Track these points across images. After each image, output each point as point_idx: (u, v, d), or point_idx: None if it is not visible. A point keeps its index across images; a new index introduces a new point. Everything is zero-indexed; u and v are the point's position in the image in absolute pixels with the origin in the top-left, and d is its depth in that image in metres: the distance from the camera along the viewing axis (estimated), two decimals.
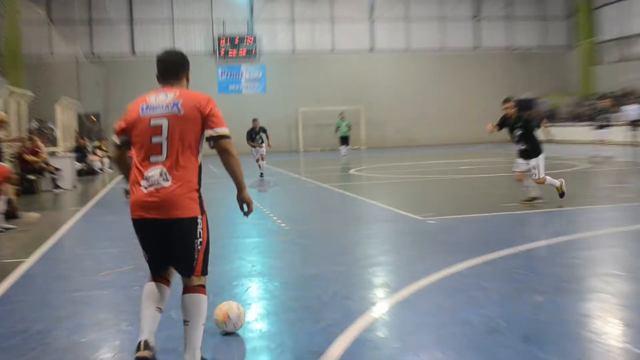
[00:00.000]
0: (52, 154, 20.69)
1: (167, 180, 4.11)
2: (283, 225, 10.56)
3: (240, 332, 5.14)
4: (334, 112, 37.88)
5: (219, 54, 38.26)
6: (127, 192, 18.40)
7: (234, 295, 6.20)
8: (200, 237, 4.22)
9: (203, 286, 4.29)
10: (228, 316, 5.11)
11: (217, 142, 4.27)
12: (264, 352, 4.71)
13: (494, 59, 41.68)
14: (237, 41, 38.45)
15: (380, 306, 5.72)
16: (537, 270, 6.90)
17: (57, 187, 18.59)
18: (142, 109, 4.29)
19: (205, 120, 4.23)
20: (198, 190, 4.26)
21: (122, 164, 4.49)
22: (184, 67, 4.53)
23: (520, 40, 42.26)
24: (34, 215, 12.86)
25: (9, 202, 12.33)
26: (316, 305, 5.79)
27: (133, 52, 37.65)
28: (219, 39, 38.22)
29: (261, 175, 20.85)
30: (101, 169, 25.82)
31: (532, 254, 7.69)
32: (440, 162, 24.62)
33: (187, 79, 4.55)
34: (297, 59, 39.35)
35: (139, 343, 4.14)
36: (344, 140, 30.04)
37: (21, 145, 18.30)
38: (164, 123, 4.17)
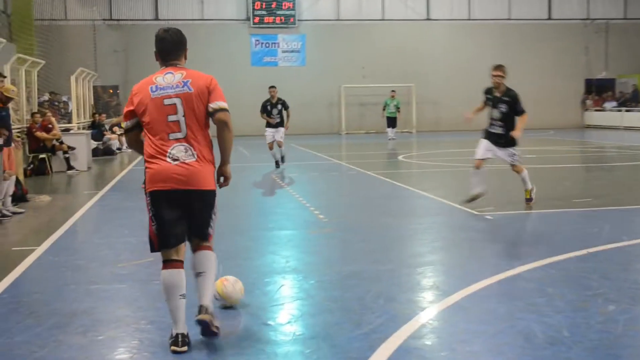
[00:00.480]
0: (66, 130, 21.10)
1: (192, 155, 4.93)
2: (321, 216, 10.66)
3: (272, 335, 5.26)
4: (381, 89, 37.83)
5: (253, 20, 38.37)
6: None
7: (265, 294, 6.34)
8: (216, 208, 5.20)
9: (212, 247, 5.20)
10: (225, 281, 5.92)
11: (216, 114, 5.03)
12: (297, 357, 4.82)
13: (568, 31, 41.08)
14: (273, 6, 38.46)
15: (429, 311, 5.80)
16: (610, 275, 6.88)
17: (70, 167, 18.98)
18: (152, 89, 5.01)
19: (209, 95, 5.05)
20: (213, 164, 5.12)
21: (139, 146, 5.16)
22: (184, 46, 5.37)
23: (599, 10, 41.59)
24: (45, 198, 13.20)
25: (18, 183, 12.67)
26: (356, 307, 5.88)
27: (156, 16, 38.00)
28: (253, 4, 38.28)
29: (277, 164, 18.52)
30: (119, 149, 26.21)
31: (605, 256, 7.67)
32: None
33: (185, 58, 5.37)
34: (342, 28, 39.29)
35: (177, 336, 4.88)
36: (391, 121, 30.04)
37: (31, 120, 18.71)
38: (178, 102, 4.95)
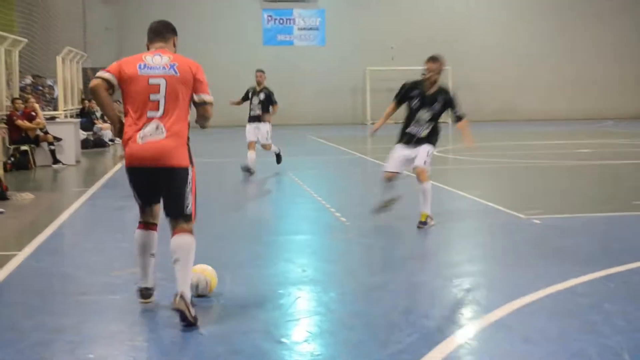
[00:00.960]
0: (51, 119, 21.22)
1: (162, 133, 5.85)
2: (343, 219, 10.67)
3: (286, 354, 5.26)
4: (412, 73, 37.61)
5: None
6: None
7: (279, 307, 6.34)
8: (190, 184, 5.97)
9: (192, 231, 5.97)
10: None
11: (200, 107, 6.09)
12: None
13: (633, 8, 40.78)
14: None
15: (467, 329, 5.78)
16: None
17: (56, 161, 19.09)
18: (140, 67, 5.97)
19: (194, 84, 6.05)
20: (188, 144, 6.03)
21: (101, 96, 6.00)
22: (171, 30, 6.41)
23: None
24: (27, 196, 13.27)
25: None
26: (383, 324, 5.88)
27: None
28: None
29: (249, 171, 16.24)
30: (112, 140, 26.33)
31: None
32: (551, 142, 24.37)
33: (175, 45, 6.37)
34: (367, 2, 39.25)
35: (141, 289, 6.35)
36: None
37: (11, 106, 18.83)
38: (162, 82, 5.91)
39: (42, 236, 9.70)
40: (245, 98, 17.11)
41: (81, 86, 29.29)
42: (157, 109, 5.89)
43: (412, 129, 10.25)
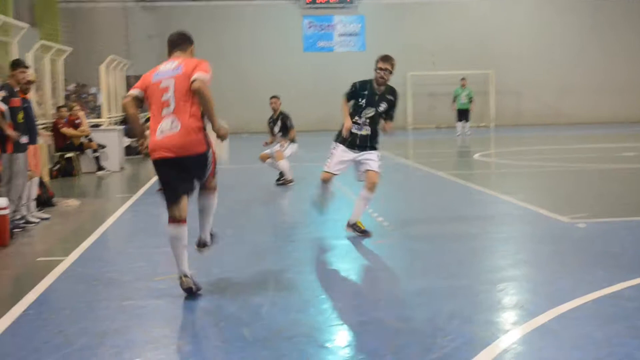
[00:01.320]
0: (95, 126, 21.46)
1: (177, 127, 6.63)
2: (385, 223, 10.65)
3: (331, 359, 5.26)
4: (453, 78, 37.53)
5: (305, 0, 38.57)
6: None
7: (322, 312, 6.35)
8: (210, 163, 6.84)
9: (215, 188, 7.13)
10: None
11: (192, 84, 6.64)
12: None
13: None
14: None
15: (512, 334, 5.74)
16: None
17: (100, 168, 19.30)
18: (154, 75, 6.87)
19: (192, 70, 6.75)
20: (203, 130, 6.75)
21: (130, 112, 6.97)
22: (187, 40, 7.34)
23: None
24: (72, 202, 13.45)
25: (43, 186, 12.94)
26: (427, 329, 5.86)
27: None
28: None
29: (280, 180, 15.94)
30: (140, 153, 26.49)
31: None
32: (595, 146, 24.11)
33: (192, 53, 7.25)
34: (407, 7, 39.19)
35: (180, 277, 6.84)
36: (463, 114, 29.88)
37: (57, 114, 19.07)
38: (171, 83, 6.71)
39: (88, 242, 9.81)
40: (271, 130, 16.41)
41: (124, 94, 29.54)
42: (169, 105, 6.71)
43: (357, 126, 10.10)
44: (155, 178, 17.61)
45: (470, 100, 30.06)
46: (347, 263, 8.40)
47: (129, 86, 32.14)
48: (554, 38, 39.44)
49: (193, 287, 6.82)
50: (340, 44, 39.00)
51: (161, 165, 6.80)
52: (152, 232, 10.62)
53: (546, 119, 39.24)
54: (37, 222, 11.35)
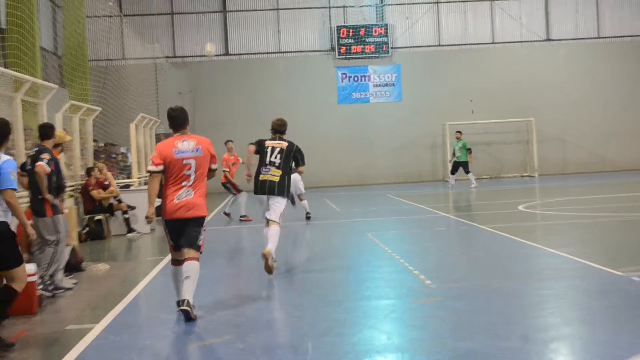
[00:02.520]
0: (125, 187, 21.57)
1: (191, 194, 8.92)
2: (428, 282, 10.53)
3: None
4: (494, 126, 37.61)
5: (339, 50, 38.84)
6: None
7: None
8: (204, 227, 9.06)
9: (198, 258, 8.95)
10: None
11: (212, 172, 9.21)
12: None
13: None
14: (362, 33, 38.93)
15: None
16: None
17: (131, 230, 19.35)
18: (175, 152, 8.91)
19: (211, 158, 9.17)
20: (204, 198, 9.10)
21: (156, 185, 9.04)
22: (187, 118, 9.34)
23: None
24: (102, 267, 13.46)
25: (72, 250, 12.97)
26: None
27: (227, 51, 38.88)
28: (339, 31, 38.82)
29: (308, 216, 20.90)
30: None
31: None
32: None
33: (188, 124, 9.31)
34: (444, 56, 39.36)
35: (181, 301, 8.72)
36: (458, 167, 30.47)
37: (85, 176, 19.20)
38: (193, 162, 8.94)
39: (119, 308, 9.78)
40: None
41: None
42: (189, 180, 8.93)
43: (261, 174, 12.20)
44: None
45: (468, 150, 30.32)
46: (388, 324, 8.28)
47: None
48: (598, 83, 39.36)
49: (191, 313, 8.61)
50: (375, 95, 39.20)
51: (172, 224, 9.02)
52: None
53: (592, 166, 38.99)
54: (67, 289, 11.34)
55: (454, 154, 31.32)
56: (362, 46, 38.88)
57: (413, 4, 39.64)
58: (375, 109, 38.50)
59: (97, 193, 18.91)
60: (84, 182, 19.13)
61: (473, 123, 38.16)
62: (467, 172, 30.73)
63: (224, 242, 17.25)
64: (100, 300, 10.68)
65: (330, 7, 39.17)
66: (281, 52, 39.00)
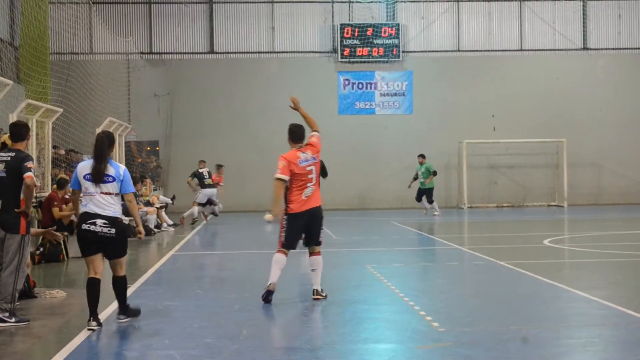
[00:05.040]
0: None
1: (313, 190, 12.49)
2: (435, 324, 10.53)
3: None
4: (519, 147, 37.66)
5: (342, 52, 38.88)
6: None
7: None
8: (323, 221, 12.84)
9: (320, 252, 12.66)
10: None
11: (325, 174, 16.41)
12: None
13: None
14: (369, 33, 38.94)
15: None
16: None
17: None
18: (300, 162, 12.28)
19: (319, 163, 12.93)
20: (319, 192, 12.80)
21: (279, 192, 12.34)
22: (303, 134, 12.69)
23: None
24: (58, 294, 13.42)
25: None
26: None
27: (211, 48, 38.92)
28: (342, 30, 38.84)
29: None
30: (158, 227, 26.55)
31: None
32: None
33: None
34: (463, 63, 39.44)
35: (271, 283, 12.21)
36: (422, 193, 30.96)
37: (54, 189, 19.13)
38: (314, 168, 12.48)
39: (75, 342, 9.74)
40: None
41: (124, 163, 29.74)
42: (313, 181, 12.47)
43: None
44: (157, 265, 17.76)
45: (432, 173, 30.78)
46: None
47: (129, 154, 32.58)
48: None
49: (321, 295, 12.62)
50: (382, 106, 39.20)
51: (300, 216, 12.40)
52: (153, 329, 10.54)
53: (632, 197, 39.00)
54: (22, 322, 11.29)
55: (415, 178, 31.69)
56: (368, 48, 38.87)
57: (430, 1, 39.75)
58: (382, 121, 38.49)
59: (58, 210, 18.85)
60: (46, 194, 19.06)
61: (495, 142, 38.21)
62: (430, 201, 31.15)
63: (208, 269, 17.24)
64: (53, 333, 10.65)
65: (333, 2, 39.23)
66: (275, 52, 39.05)
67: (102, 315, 11.12)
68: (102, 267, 11.09)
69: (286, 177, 12.21)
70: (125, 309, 11.07)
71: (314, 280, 12.60)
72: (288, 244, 12.43)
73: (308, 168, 12.40)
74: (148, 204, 26.99)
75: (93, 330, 10.42)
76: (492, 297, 13.32)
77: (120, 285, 11.14)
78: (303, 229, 12.56)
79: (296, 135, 12.68)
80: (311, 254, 12.64)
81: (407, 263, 17.81)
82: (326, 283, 13.61)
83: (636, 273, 15.99)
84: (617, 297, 12.39)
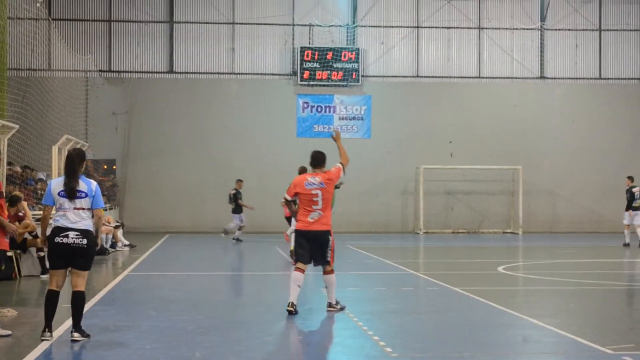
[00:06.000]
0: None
1: (320, 215, 13.51)
2: (388, 349, 10.55)
3: None
4: (475, 173, 37.78)
5: (301, 75, 38.91)
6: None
7: None
8: (330, 242, 13.64)
9: (333, 270, 13.78)
10: None
11: (337, 186, 15.27)
12: None
13: None
14: (329, 56, 38.98)
15: None
16: None
17: (45, 270, 19.11)
18: (306, 184, 13.50)
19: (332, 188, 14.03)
20: (329, 219, 13.81)
21: (292, 208, 14.13)
22: (323, 160, 13.97)
23: None
24: (9, 312, 13.28)
25: None
26: None
27: (171, 68, 38.81)
28: (302, 53, 38.86)
29: None
30: (113, 246, 26.38)
31: None
32: (634, 261, 24.14)
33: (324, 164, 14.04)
34: (422, 89, 39.59)
35: (289, 302, 13.23)
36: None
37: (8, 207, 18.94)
38: (320, 192, 13.49)
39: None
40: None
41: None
42: (318, 204, 13.44)
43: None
44: (111, 285, 17.64)
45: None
46: None
47: (86, 172, 32.31)
48: (597, 130, 39.76)
49: (336, 308, 13.83)
50: (340, 129, 38.91)
51: (304, 235, 13.50)
52: (105, 351, 10.47)
53: (586, 225, 39.28)
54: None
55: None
56: (328, 72, 38.88)
57: (390, 27, 39.85)
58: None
59: (9, 226, 18.62)
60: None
61: (452, 168, 38.33)
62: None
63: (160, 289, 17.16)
64: (3, 352, 10.54)
65: (294, 25, 39.26)
66: (235, 73, 38.99)
67: (55, 333, 11.06)
68: (63, 282, 11.51)
69: (288, 197, 13.73)
70: (79, 327, 11.08)
71: (328, 296, 13.86)
72: (298, 258, 13.60)
73: (313, 191, 13.41)
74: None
75: (47, 340, 10.73)
76: (445, 322, 13.35)
77: (78, 300, 11.28)
78: (308, 248, 13.49)
79: (315, 160, 13.93)
80: (323, 272, 13.72)
81: (361, 287, 17.81)
82: (281, 308, 13.62)
83: (588, 301, 16.10)
84: (569, 325, 12.47)
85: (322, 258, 13.55)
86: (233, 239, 31.22)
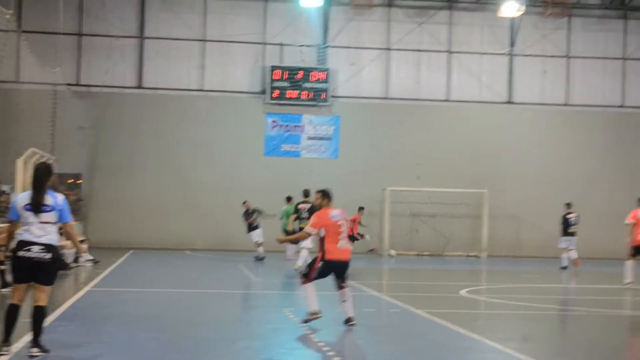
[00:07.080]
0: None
1: (347, 245, 14.75)
2: None
3: None
4: (442, 196, 37.86)
5: (271, 94, 38.93)
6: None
7: None
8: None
9: (347, 285, 14.86)
10: None
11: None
12: None
13: None
14: (299, 76, 39.06)
15: None
16: None
17: (6, 285, 18.95)
18: (331, 217, 14.56)
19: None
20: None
21: (304, 238, 18.29)
22: (331, 196, 15.03)
23: None
24: None
25: None
26: None
27: (139, 83, 38.70)
28: (272, 72, 38.92)
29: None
30: (77, 260, 26.19)
31: None
32: (608, 287, 24.25)
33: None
34: (390, 111, 39.72)
35: (313, 312, 14.49)
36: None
37: None
38: (344, 223, 14.72)
39: None
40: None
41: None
42: (344, 234, 14.49)
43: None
44: (72, 300, 17.50)
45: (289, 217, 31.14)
46: None
47: (51, 185, 32.11)
48: (562, 155, 40.05)
49: (353, 321, 14.54)
50: (308, 149, 39.24)
51: (334, 265, 14.39)
52: None
53: (549, 251, 39.23)
54: None
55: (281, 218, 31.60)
56: (298, 91, 38.95)
57: (360, 48, 40.00)
58: (307, 165, 38.48)
59: None
60: None
61: (418, 190, 38.42)
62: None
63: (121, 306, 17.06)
64: None
65: (265, 43, 39.29)
66: (204, 91, 38.93)
67: (14, 348, 10.98)
68: (24, 297, 11.40)
69: (313, 231, 14.55)
70: (38, 342, 10.98)
71: (347, 310, 14.57)
72: (313, 280, 14.56)
73: (339, 222, 14.50)
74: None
75: (4, 355, 10.75)
76: (406, 345, 13.36)
77: (39, 315, 11.21)
78: (329, 275, 14.56)
79: (329, 197, 14.90)
80: (339, 287, 14.59)
81: (324, 308, 17.78)
82: (243, 326, 13.59)
83: (548, 326, 16.17)
84: (529, 349, 12.51)
85: (342, 281, 14.57)
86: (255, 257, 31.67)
